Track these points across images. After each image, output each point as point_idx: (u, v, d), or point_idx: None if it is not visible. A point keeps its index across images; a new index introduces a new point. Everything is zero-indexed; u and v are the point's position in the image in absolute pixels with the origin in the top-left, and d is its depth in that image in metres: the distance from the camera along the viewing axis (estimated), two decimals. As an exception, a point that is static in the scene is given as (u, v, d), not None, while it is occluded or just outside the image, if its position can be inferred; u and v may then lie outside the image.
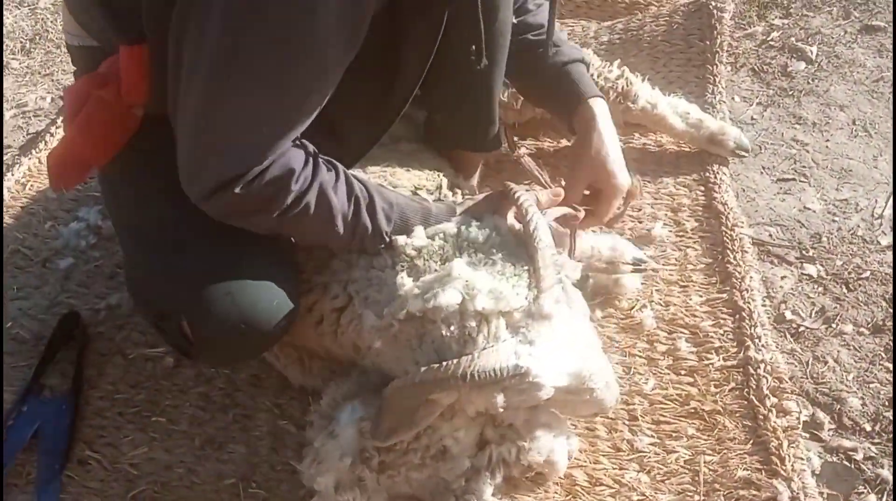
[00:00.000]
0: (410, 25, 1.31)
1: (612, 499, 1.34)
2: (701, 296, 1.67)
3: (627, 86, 1.94)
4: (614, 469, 1.38)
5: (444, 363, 1.11)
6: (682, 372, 1.53)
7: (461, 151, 1.68)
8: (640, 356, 1.56)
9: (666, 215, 1.86)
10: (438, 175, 1.58)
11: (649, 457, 1.39)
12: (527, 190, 1.36)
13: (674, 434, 1.43)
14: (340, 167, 1.27)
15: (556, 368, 1.15)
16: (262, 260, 1.27)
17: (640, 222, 1.84)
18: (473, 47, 1.35)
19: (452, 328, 1.15)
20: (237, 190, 1.14)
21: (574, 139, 1.67)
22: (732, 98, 2.20)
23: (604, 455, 1.40)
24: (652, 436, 1.43)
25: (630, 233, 1.81)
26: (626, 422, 1.45)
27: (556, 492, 1.36)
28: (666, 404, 1.48)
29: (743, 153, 1.97)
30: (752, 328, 1.57)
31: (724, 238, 1.77)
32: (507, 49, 1.51)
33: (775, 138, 2.08)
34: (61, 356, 1.62)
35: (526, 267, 1.23)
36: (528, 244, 1.22)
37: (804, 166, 1.99)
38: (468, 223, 1.30)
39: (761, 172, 1.98)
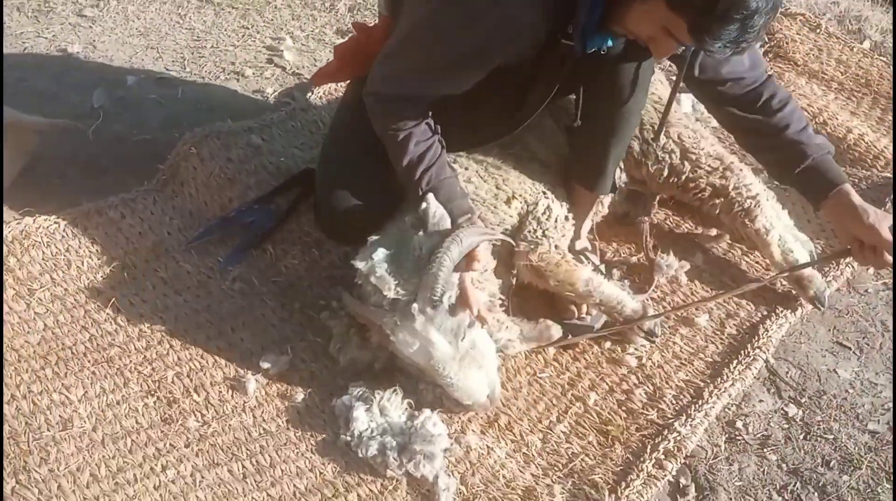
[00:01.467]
0: (538, 73, 1.90)
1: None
2: (684, 375, 2.07)
3: (755, 207, 2.28)
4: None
5: None
6: (622, 407, 1.98)
7: (577, 186, 2.22)
8: (605, 383, 2.04)
9: (718, 317, 2.23)
10: (544, 194, 2.15)
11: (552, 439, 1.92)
12: (485, 231, 1.87)
13: (577, 436, 1.92)
14: (437, 141, 1.93)
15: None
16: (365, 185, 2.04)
17: (696, 308, 2.24)
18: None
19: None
20: (374, 99, 1.91)
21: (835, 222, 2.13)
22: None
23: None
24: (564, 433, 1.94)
25: (681, 309, 2.22)
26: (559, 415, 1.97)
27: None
28: (591, 418, 1.96)
29: (819, 306, 2.23)
30: (697, 409, 1.96)
31: (742, 350, 2.12)
32: (630, 120, 2.04)
33: (865, 310, 2.28)
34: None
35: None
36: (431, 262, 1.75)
37: (869, 344, 2.20)
38: (431, 234, 1.83)
39: (829, 329, 2.23)
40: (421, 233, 1.82)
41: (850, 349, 2.19)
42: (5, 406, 1.84)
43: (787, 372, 2.12)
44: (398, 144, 1.91)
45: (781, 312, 2.22)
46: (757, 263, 2.36)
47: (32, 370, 1.93)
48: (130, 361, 1.97)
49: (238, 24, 3.25)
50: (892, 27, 2.51)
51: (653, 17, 1.64)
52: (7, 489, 1.69)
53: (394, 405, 1.87)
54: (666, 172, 2.30)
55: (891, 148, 2.74)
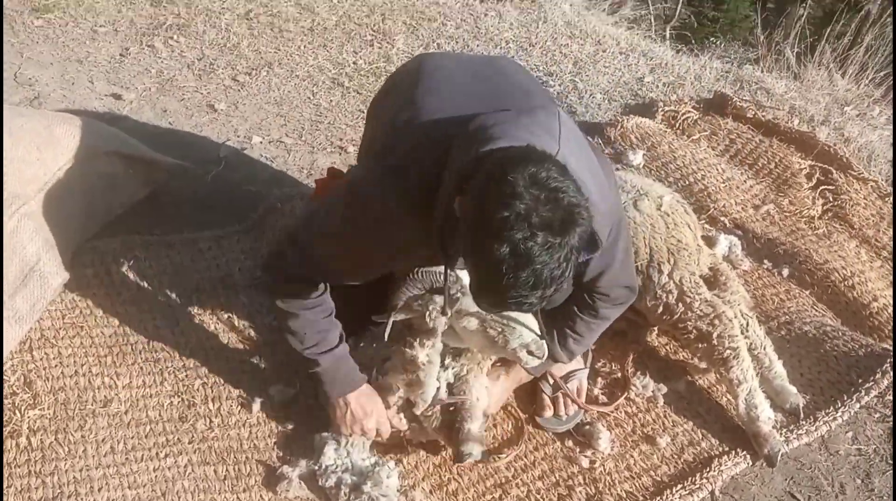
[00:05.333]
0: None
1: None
2: (629, 486, 2.16)
3: (732, 358, 2.31)
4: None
5: None
6: (561, 501, 2.11)
7: None
8: (554, 476, 2.17)
9: (681, 442, 2.30)
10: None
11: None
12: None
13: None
14: (334, 329, 2.06)
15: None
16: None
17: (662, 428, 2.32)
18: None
19: None
20: (274, 273, 2.08)
21: None
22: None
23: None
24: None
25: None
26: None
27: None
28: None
29: (770, 464, 2.23)
30: None
31: (691, 477, 2.18)
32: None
33: (829, 470, 2.27)
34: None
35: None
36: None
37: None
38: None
39: (785, 479, 2.25)
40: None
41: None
42: (67, 379, 2.22)
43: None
44: (287, 322, 2.05)
45: (742, 452, 2.26)
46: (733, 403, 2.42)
47: (98, 355, 2.30)
48: (171, 365, 2.31)
49: (356, 107, 3.65)
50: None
51: None
52: (46, 442, 2.05)
53: (357, 449, 2.09)
54: (661, 309, 2.40)
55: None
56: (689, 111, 3.66)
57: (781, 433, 2.29)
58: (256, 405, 2.23)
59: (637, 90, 3.95)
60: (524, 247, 1.45)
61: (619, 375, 2.46)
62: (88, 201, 2.58)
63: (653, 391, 2.42)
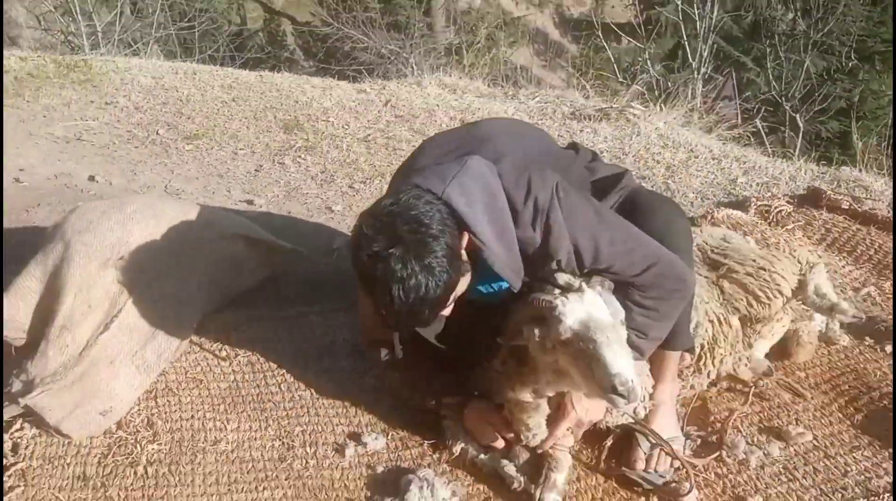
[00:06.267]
0: None
1: None
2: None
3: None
4: None
5: None
6: None
7: None
8: None
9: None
10: None
11: None
12: None
13: None
14: None
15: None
16: None
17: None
18: None
19: None
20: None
21: None
22: None
23: None
24: None
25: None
26: None
27: None
28: None
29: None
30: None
31: None
32: None
33: None
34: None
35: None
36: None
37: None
38: None
39: None
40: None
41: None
42: (184, 421, 2.43)
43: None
44: None
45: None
46: (833, 469, 2.31)
47: (213, 403, 2.51)
48: (276, 414, 2.48)
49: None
50: None
51: None
52: (160, 472, 2.24)
53: (440, 491, 2.15)
54: None
55: None
56: (783, 205, 3.68)
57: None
58: (350, 450, 2.34)
59: (730, 190, 4.03)
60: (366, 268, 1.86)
61: (714, 438, 2.41)
62: (215, 275, 2.88)
63: (745, 453, 2.35)
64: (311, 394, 2.57)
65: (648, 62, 14.52)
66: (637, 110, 5.04)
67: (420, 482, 2.17)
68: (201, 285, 2.80)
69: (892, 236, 3.37)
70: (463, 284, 2.00)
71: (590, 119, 4.90)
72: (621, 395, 1.83)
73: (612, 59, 14.23)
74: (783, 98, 13.50)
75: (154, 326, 2.55)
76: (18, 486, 2.16)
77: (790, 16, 15.17)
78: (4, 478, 2.18)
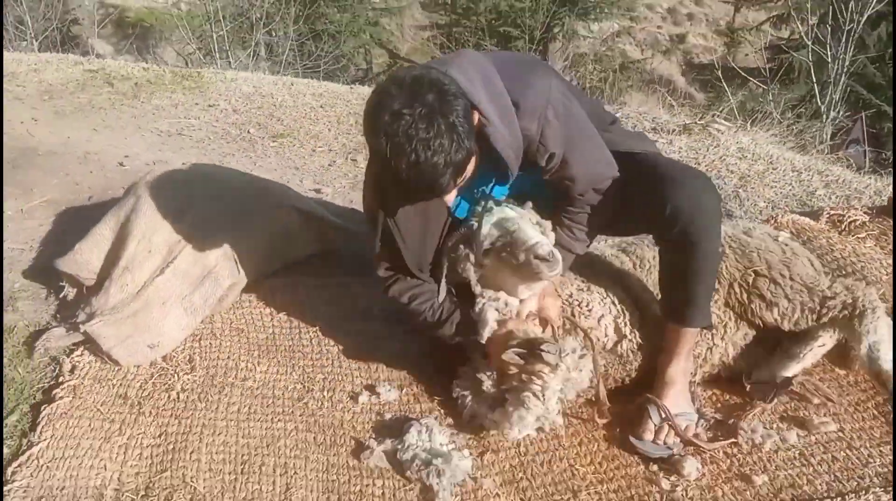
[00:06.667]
0: None
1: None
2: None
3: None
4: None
5: None
6: None
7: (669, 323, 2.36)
8: (629, 492, 2.10)
9: (781, 483, 2.12)
10: None
11: None
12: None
13: None
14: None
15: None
16: None
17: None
18: None
19: None
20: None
21: None
22: None
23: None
24: None
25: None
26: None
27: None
28: None
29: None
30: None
31: None
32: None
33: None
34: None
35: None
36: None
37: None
38: None
39: None
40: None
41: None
42: (220, 361, 2.62)
43: None
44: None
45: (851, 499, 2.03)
46: (854, 459, 2.19)
47: (248, 350, 2.69)
48: (302, 362, 2.63)
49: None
50: None
51: None
52: (190, 398, 2.43)
53: (438, 435, 2.22)
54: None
55: None
56: (859, 215, 3.51)
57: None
58: (364, 398, 2.45)
59: (806, 201, 3.88)
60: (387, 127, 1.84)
61: (731, 421, 2.35)
62: (267, 240, 3.08)
63: (761, 437, 2.27)
64: (339, 349, 2.70)
65: (772, 103, 14.03)
66: (721, 126, 4.95)
67: (420, 426, 2.25)
68: (253, 247, 3.00)
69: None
70: (473, 163, 2.01)
71: (669, 132, 4.85)
72: (545, 259, 2.09)
73: (734, 106, 13.88)
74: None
75: (203, 274, 2.77)
76: (67, 397, 2.41)
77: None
78: (57, 391, 2.43)
